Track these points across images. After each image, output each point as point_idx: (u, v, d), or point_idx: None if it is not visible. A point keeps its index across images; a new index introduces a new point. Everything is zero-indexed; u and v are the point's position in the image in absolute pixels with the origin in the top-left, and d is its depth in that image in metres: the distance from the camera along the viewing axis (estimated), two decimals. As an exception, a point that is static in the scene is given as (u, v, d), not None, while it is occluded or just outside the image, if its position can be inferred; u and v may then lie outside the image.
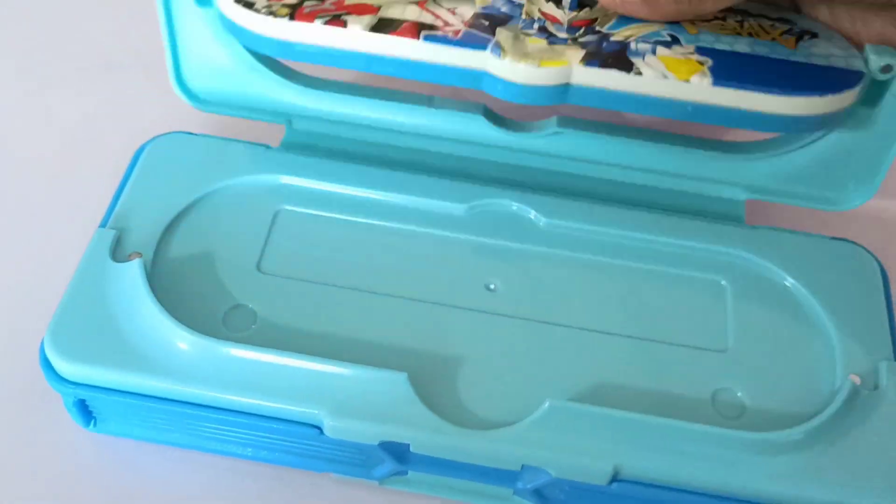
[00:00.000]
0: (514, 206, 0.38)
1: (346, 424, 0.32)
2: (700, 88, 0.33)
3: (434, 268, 0.37)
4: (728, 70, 0.33)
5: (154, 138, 0.40)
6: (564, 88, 0.34)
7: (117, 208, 0.37)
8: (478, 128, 0.40)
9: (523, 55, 0.33)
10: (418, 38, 0.34)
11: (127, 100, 0.47)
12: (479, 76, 0.34)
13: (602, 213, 0.38)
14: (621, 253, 0.38)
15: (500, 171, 0.40)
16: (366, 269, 0.37)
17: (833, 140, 0.38)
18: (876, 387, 0.34)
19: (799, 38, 0.36)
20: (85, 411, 0.34)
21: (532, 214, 0.38)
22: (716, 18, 0.36)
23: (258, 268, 0.36)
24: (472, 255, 0.37)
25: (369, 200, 0.38)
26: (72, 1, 0.51)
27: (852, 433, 0.33)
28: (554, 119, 0.40)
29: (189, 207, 0.38)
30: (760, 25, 0.36)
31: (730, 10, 0.36)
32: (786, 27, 0.36)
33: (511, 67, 0.33)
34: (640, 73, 0.33)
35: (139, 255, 0.35)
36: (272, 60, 0.40)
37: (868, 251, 0.38)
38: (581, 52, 0.34)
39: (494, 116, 0.40)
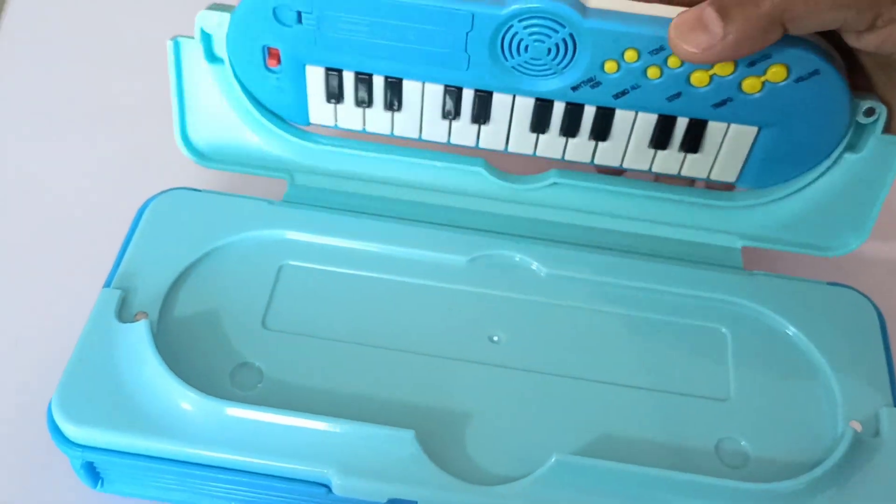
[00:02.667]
0: (517, 257, 0.39)
1: (355, 483, 0.32)
2: None
3: (438, 320, 0.37)
4: None
5: (157, 195, 0.40)
6: None
7: (122, 267, 0.37)
8: (478, 180, 0.40)
9: None
10: None
11: (138, 150, 0.47)
12: None
13: (603, 262, 0.39)
14: (623, 302, 0.38)
15: (500, 223, 0.40)
16: (370, 323, 0.37)
17: (823, 186, 0.39)
18: (877, 433, 0.34)
19: None
20: (92, 472, 0.34)
21: (534, 265, 0.39)
22: None
23: (263, 324, 0.37)
24: (474, 307, 0.38)
25: (372, 254, 0.39)
26: (100, 47, 0.52)
27: (855, 481, 0.33)
28: (552, 171, 0.40)
29: (193, 265, 0.38)
30: None
31: None
32: None
33: None
34: None
35: (145, 315, 0.36)
36: (276, 117, 0.40)
37: (865, 296, 0.39)
38: None
39: (493, 169, 0.41)
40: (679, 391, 0.36)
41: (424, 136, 0.39)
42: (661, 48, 0.35)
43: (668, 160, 0.38)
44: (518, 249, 0.39)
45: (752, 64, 0.35)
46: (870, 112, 0.36)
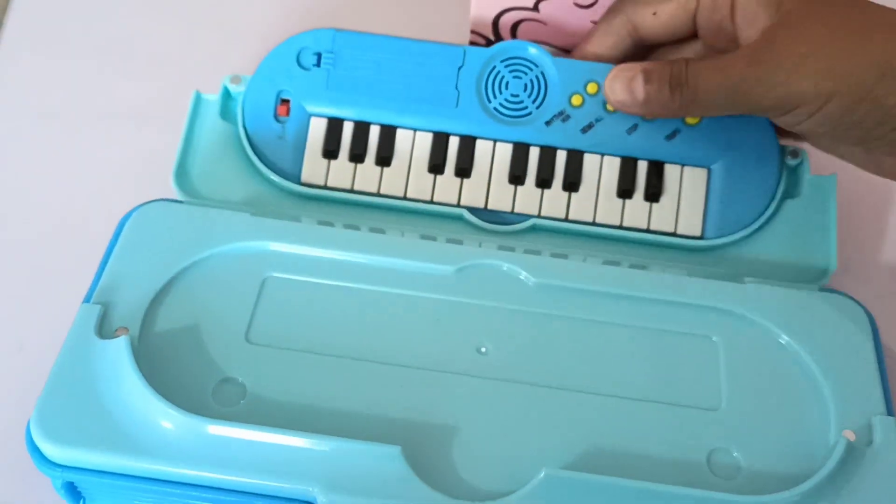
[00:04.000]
0: (505, 266, 0.38)
1: (341, 501, 0.31)
2: None
3: (425, 332, 0.37)
4: None
5: (138, 207, 0.39)
6: None
7: (102, 281, 0.36)
8: (459, 226, 0.41)
9: None
10: None
11: (120, 162, 0.46)
12: None
13: (592, 272, 0.38)
14: (612, 312, 0.38)
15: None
16: (356, 336, 0.36)
17: (777, 232, 0.41)
18: (870, 442, 0.34)
19: None
20: (74, 492, 0.34)
21: (522, 275, 0.38)
22: None
23: (246, 338, 0.36)
24: (462, 318, 0.37)
25: (358, 264, 0.38)
26: (90, 58, 0.50)
27: (848, 491, 0.33)
28: (531, 220, 0.41)
29: (175, 278, 0.37)
30: None
31: None
32: None
33: None
34: None
35: (125, 330, 0.35)
36: (272, 173, 0.41)
37: (856, 301, 0.38)
38: None
39: (473, 218, 0.41)
40: (670, 401, 0.35)
41: (410, 194, 0.41)
42: None
43: (636, 213, 0.41)
44: (505, 259, 0.38)
45: None
46: (794, 154, 0.42)
